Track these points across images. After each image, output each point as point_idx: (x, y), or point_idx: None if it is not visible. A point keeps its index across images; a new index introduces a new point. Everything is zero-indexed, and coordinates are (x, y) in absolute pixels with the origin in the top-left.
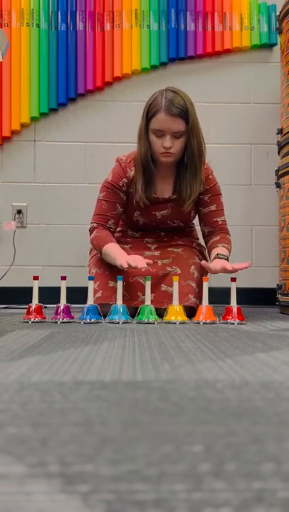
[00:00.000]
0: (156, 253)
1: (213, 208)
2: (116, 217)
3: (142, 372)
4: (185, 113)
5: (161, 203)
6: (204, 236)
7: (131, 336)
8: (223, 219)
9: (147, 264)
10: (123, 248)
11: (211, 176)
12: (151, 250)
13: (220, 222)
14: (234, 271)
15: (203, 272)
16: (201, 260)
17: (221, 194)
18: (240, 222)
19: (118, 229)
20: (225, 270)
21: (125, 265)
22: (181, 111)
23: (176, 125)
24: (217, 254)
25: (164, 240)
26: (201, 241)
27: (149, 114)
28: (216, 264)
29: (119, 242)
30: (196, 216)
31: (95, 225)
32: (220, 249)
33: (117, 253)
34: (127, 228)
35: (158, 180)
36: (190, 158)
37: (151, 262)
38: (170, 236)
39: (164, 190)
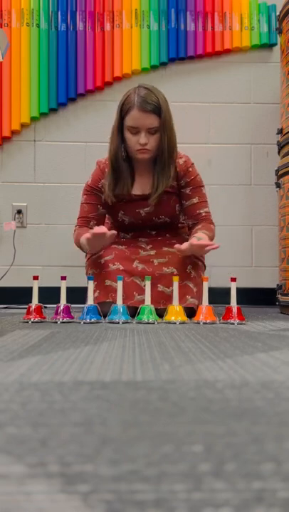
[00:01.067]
0: (152, 252)
1: (195, 200)
2: (97, 218)
3: (142, 372)
4: (158, 109)
5: (143, 200)
6: (189, 229)
7: (131, 336)
8: (206, 210)
9: (112, 234)
10: (116, 248)
11: (191, 169)
12: (147, 250)
13: (203, 214)
14: (199, 247)
15: (201, 270)
16: (197, 259)
17: (203, 186)
18: (240, 222)
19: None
20: (190, 246)
21: (89, 235)
22: (154, 107)
23: (149, 121)
24: (193, 237)
25: (157, 239)
26: None
27: (123, 111)
28: (184, 244)
29: (112, 243)
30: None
31: (77, 227)
32: (198, 234)
33: (85, 235)
34: (117, 230)
35: (137, 177)
36: (160, 153)
37: (115, 232)
38: (162, 234)
39: (144, 187)
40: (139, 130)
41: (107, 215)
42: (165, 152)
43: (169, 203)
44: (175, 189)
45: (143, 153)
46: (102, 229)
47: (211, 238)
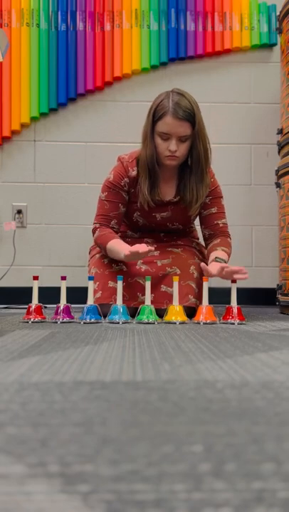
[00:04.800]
0: (156, 253)
1: (214, 210)
2: (118, 217)
3: (142, 372)
4: (192, 117)
5: (162, 205)
6: (205, 239)
7: (131, 336)
8: (224, 222)
9: (149, 250)
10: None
11: (212, 179)
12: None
13: (221, 225)
14: (230, 273)
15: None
16: (200, 260)
17: (222, 197)
18: (240, 222)
19: None
20: (221, 270)
21: (127, 252)
22: (188, 114)
23: (182, 129)
24: (215, 258)
25: (163, 240)
26: (201, 241)
27: (156, 116)
28: (212, 267)
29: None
30: (196, 218)
31: (98, 225)
32: (219, 253)
33: (121, 247)
34: (126, 229)
35: (161, 182)
36: (196, 162)
37: (152, 248)
38: (169, 236)
39: (166, 192)
40: (170, 137)
41: None
42: (202, 160)
43: (187, 211)
44: None
45: (171, 160)
46: (142, 247)
47: (229, 254)
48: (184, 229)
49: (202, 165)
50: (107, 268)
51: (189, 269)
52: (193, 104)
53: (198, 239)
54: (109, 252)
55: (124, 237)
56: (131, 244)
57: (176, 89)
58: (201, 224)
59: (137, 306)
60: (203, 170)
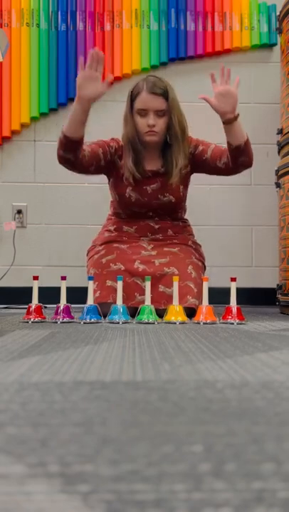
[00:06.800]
0: (153, 252)
1: (212, 146)
2: (92, 152)
3: (142, 372)
4: (166, 92)
5: (151, 178)
6: (226, 164)
7: (131, 336)
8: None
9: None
10: (118, 248)
11: (191, 137)
12: (148, 250)
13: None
14: (223, 83)
15: (201, 271)
16: (198, 259)
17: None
18: (240, 222)
19: (113, 227)
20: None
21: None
22: (162, 91)
23: (158, 103)
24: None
25: (159, 238)
26: (198, 238)
27: (133, 96)
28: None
29: (115, 241)
30: (187, 191)
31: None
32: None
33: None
34: (119, 209)
35: (145, 161)
36: (174, 136)
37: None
38: (165, 229)
39: (153, 166)
40: (148, 112)
41: (113, 193)
42: (178, 133)
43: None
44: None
45: (151, 135)
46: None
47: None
48: (177, 204)
49: (179, 139)
50: (105, 268)
51: (187, 269)
52: (166, 84)
53: (193, 236)
54: (69, 126)
55: (121, 234)
56: (128, 244)
57: (151, 74)
58: (214, 161)
59: (135, 306)
60: (180, 143)
